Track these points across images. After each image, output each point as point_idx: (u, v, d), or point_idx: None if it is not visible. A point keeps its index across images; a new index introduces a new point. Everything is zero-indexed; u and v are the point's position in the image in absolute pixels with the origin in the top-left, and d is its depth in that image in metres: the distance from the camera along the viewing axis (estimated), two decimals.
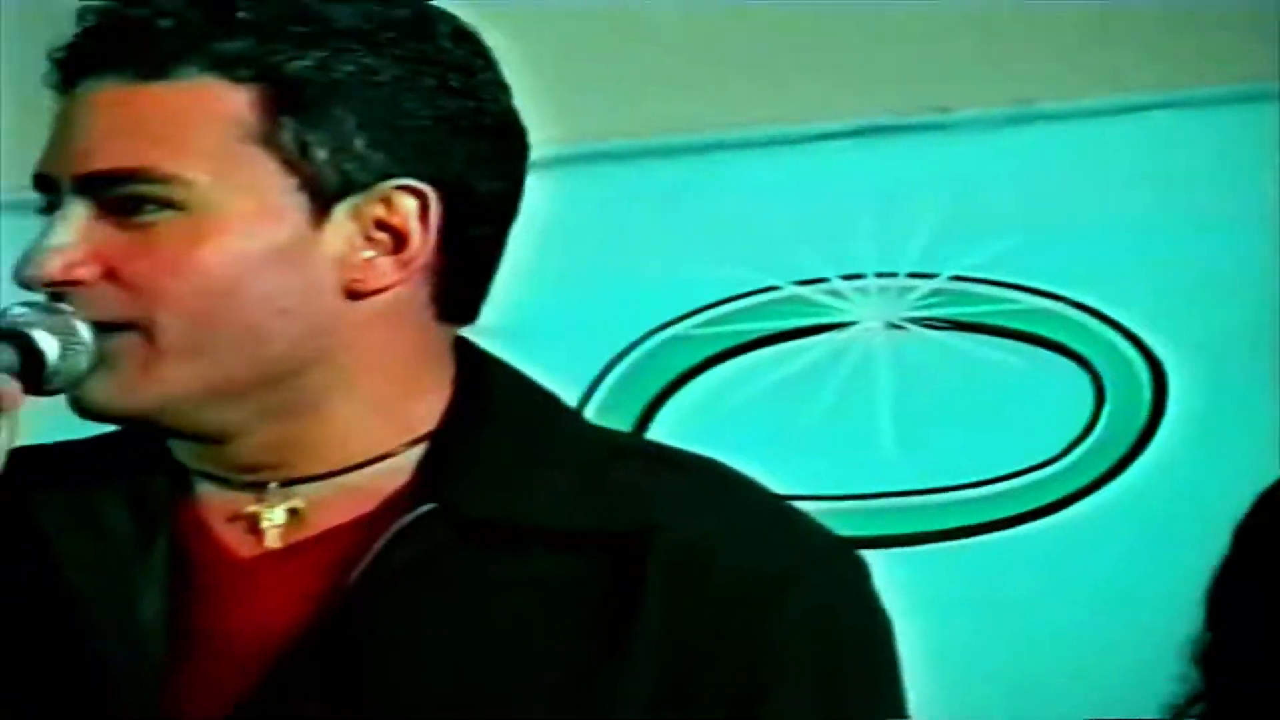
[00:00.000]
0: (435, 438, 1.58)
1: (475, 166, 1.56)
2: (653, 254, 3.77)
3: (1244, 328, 3.65)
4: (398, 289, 1.56)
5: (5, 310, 1.53)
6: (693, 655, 1.51)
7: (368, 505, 1.56)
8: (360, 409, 1.57)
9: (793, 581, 1.56)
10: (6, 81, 4.76)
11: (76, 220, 1.51)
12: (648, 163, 3.84)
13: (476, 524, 1.54)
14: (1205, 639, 3.54)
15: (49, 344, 1.48)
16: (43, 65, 1.61)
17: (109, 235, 1.51)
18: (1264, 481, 2.54)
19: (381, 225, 1.54)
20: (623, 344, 3.80)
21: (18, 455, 1.48)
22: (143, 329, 1.50)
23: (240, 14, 1.53)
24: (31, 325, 1.49)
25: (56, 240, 1.51)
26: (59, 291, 1.51)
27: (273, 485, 1.58)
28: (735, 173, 3.76)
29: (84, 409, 1.54)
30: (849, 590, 1.61)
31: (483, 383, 1.63)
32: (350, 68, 1.52)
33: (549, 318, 3.49)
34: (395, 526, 1.53)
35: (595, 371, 3.74)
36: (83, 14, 1.56)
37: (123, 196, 1.51)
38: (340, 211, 1.54)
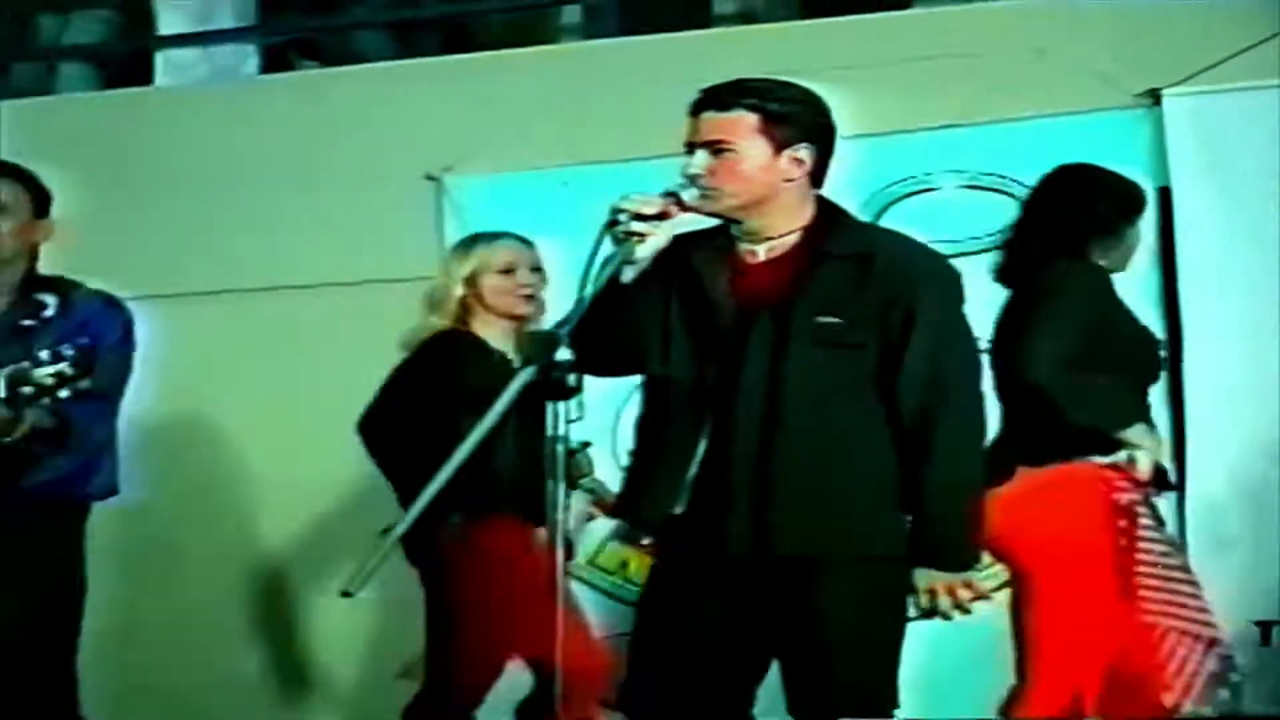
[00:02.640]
0: (807, 228, 4.32)
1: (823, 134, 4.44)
2: None
3: None
4: (799, 179, 4.27)
5: None
6: (893, 303, 4.27)
7: (789, 248, 4.35)
8: (785, 216, 4.29)
9: (931, 274, 4.43)
10: None
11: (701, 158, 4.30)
12: None
13: (830, 254, 4.30)
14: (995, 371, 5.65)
15: None
16: None
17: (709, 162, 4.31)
18: None
19: (794, 160, 4.27)
20: None
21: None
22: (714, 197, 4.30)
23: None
24: None
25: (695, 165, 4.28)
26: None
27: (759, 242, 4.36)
28: None
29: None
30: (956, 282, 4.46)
31: (826, 209, 4.41)
32: (795, 108, 4.36)
33: None
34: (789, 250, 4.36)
35: None
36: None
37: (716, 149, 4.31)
38: (784, 155, 4.27)
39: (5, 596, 5.36)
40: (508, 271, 5.82)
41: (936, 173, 7.27)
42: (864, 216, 6.54)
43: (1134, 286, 6.41)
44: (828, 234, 4.44)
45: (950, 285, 4.51)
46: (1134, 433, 5.72)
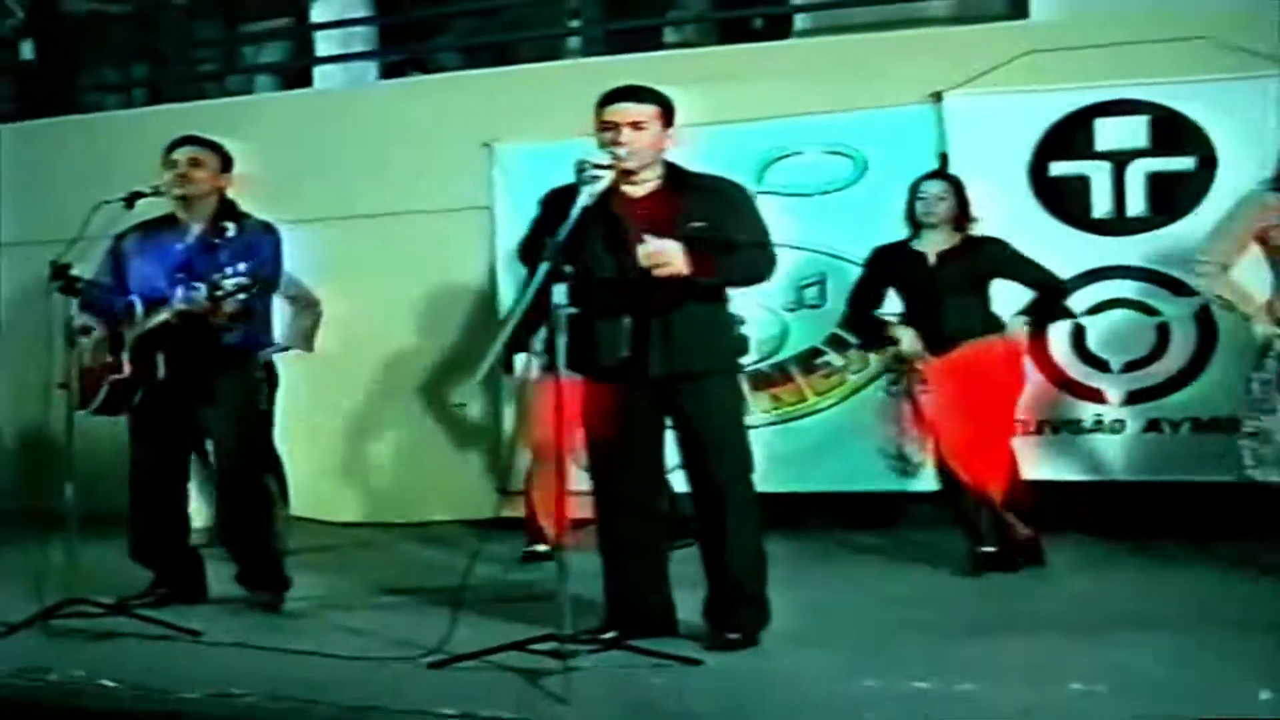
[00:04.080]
0: (664, 175, 5.34)
1: None
2: None
3: None
4: (668, 145, 5.40)
5: None
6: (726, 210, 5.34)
7: (657, 187, 5.36)
8: (656, 168, 5.35)
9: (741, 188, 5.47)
10: None
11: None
12: None
13: (688, 186, 5.34)
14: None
15: None
16: None
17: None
18: None
19: (669, 135, 5.43)
20: None
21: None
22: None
23: None
24: None
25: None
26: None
27: (637, 185, 5.33)
28: None
29: None
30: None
31: (668, 163, 5.35)
32: (670, 103, 5.53)
33: None
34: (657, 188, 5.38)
35: None
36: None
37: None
38: (667, 132, 5.41)
39: (219, 410, 6.25)
40: None
41: (802, 144, 8.46)
42: (757, 171, 8.28)
43: None
44: (680, 176, 5.45)
45: (751, 199, 5.62)
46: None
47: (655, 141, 5.37)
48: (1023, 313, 7.12)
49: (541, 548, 7.33)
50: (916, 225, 7.21)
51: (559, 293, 4.90)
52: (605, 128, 5.34)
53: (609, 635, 5.28)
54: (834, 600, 6.34)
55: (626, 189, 5.34)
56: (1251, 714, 4.35)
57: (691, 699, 4.62)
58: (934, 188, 7.22)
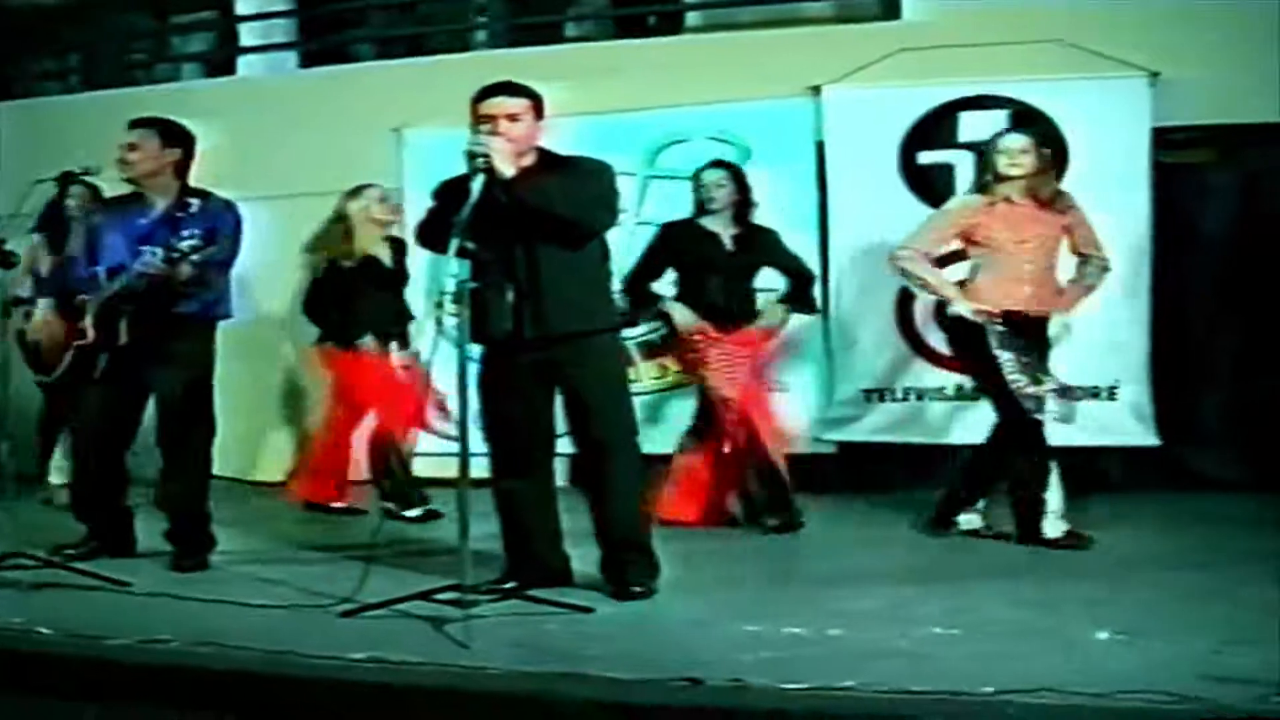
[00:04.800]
0: (538, 157, 5.35)
1: None
2: None
3: None
4: (540, 134, 5.45)
5: None
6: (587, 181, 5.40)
7: (530, 167, 5.35)
8: (530, 152, 5.35)
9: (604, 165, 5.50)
10: None
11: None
12: None
13: (557, 165, 5.39)
14: None
15: None
16: None
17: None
18: None
19: (541, 126, 5.53)
20: None
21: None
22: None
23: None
24: None
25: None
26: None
27: (512, 166, 5.27)
28: None
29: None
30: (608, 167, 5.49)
31: (540, 148, 5.35)
32: (540, 98, 5.58)
33: None
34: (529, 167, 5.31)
35: None
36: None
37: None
38: (539, 122, 5.47)
39: (172, 374, 6.19)
40: None
41: (691, 132, 8.65)
42: (649, 156, 8.54)
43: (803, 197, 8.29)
44: (550, 157, 5.52)
45: (603, 169, 5.61)
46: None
47: (529, 132, 5.44)
48: (782, 300, 7.46)
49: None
50: (701, 209, 7.35)
51: (462, 269, 5.01)
52: (483, 120, 5.38)
53: (508, 585, 5.36)
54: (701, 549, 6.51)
55: (503, 175, 5.32)
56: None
57: (583, 643, 4.70)
58: (713, 175, 7.34)
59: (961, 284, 6.77)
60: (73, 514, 6.46)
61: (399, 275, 7.93)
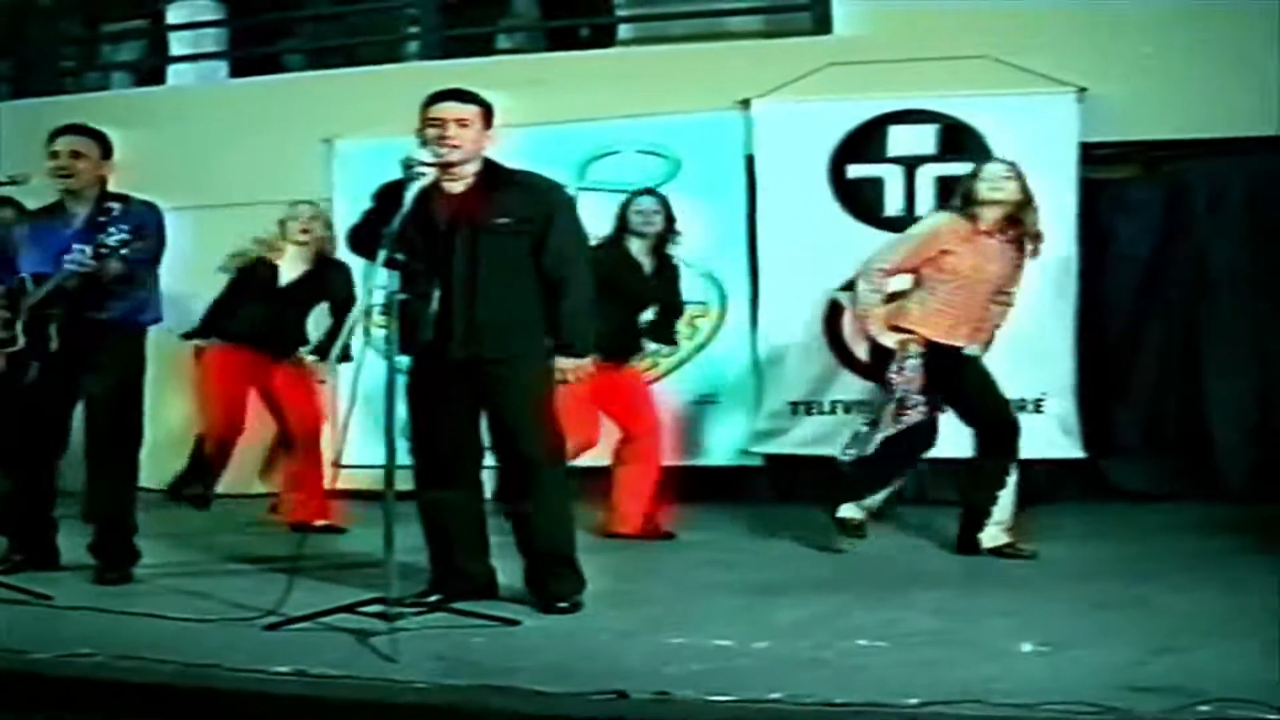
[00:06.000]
0: (481, 171, 5.31)
1: None
2: None
3: None
4: (486, 144, 5.41)
5: None
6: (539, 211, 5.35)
7: (473, 183, 5.33)
8: (474, 164, 5.34)
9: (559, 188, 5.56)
10: None
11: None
12: None
13: (499, 183, 5.31)
14: None
15: None
16: None
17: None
18: None
19: (489, 134, 5.47)
20: None
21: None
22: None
23: None
24: None
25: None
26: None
27: (456, 181, 5.36)
28: None
29: None
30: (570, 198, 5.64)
31: (487, 160, 5.29)
32: (489, 105, 5.50)
33: None
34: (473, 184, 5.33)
35: None
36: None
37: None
38: (487, 131, 5.47)
39: (101, 380, 6.11)
40: None
41: (621, 144, 8.69)
42: (579, 168, 8.49)
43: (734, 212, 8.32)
44: (494, 173, 5.47)
45: (571, 201, 5.78)
46: None
47: (477, 140, 5.40)
48: (647, 329, 7.50)
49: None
50: (627, 231, 7.37)
51: (391, 280, 5.00)
52: (431, 125, 5.36)
53: (433, 598, 5.32)
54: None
55: (447, 184, 5.35)
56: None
57: (509, 656, 4.67)
58: (649, 203, 7.42)
59: (895, 296, 6.63)
60: None
61: (295, 290, 7.78)
